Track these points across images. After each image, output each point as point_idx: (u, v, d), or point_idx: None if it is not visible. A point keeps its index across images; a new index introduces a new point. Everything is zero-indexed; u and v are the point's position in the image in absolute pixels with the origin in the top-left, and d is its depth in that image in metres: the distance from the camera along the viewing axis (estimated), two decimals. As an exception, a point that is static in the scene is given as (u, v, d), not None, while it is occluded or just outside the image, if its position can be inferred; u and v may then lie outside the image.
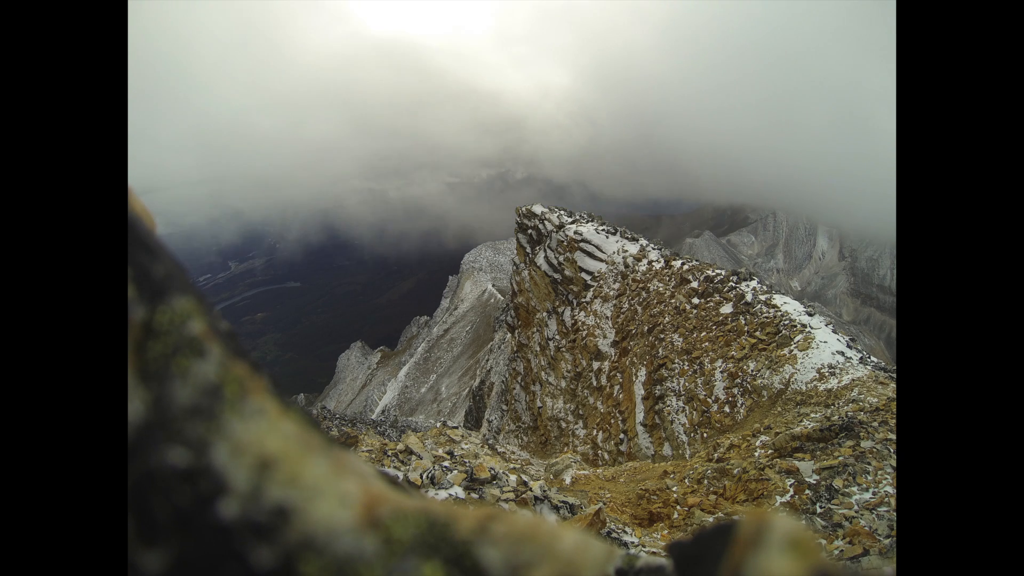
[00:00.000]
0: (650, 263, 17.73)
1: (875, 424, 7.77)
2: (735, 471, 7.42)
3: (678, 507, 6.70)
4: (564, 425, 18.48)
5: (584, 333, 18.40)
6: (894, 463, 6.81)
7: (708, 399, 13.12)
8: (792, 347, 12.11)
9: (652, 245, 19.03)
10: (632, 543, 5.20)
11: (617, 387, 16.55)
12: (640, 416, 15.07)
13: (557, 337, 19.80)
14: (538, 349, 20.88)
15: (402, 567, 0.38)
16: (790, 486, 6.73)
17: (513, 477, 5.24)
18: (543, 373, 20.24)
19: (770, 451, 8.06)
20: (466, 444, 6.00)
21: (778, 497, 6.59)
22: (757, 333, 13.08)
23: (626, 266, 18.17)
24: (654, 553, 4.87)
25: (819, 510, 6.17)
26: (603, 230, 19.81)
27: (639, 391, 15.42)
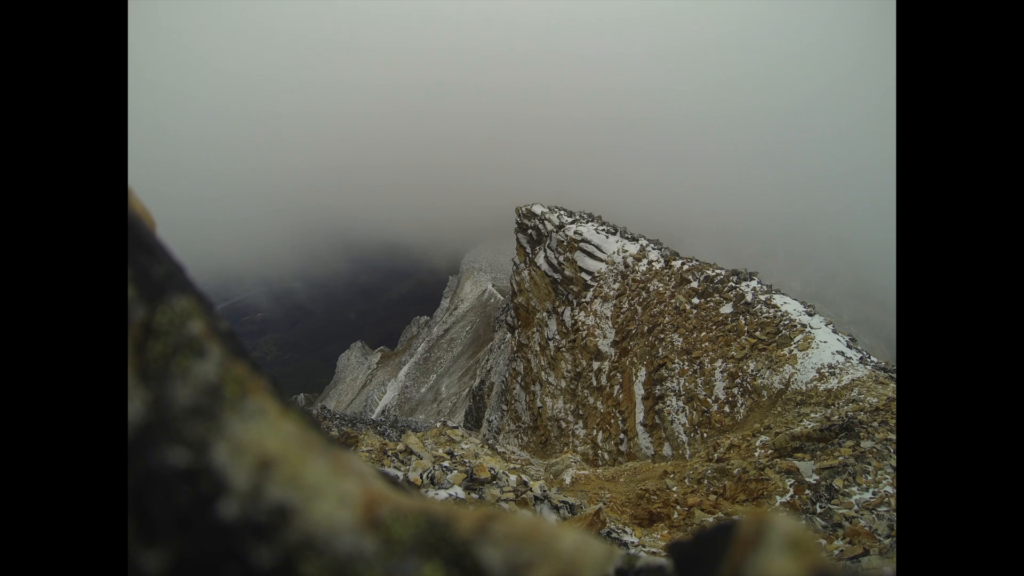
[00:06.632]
0: (650, 263, 17.73)
1: (875, 424, 7.77)
2: (735, 471, 7.42)
3: (678, 507, 6.70)
4: (564, 425, 18.48)
5: (584, 333, 18.41)
6: (894, 463, 6.81)
7: (708, 399, 13.13)
8: (792, 347, 12.11)
9: (652, 245, 19.03)
10: (632, 543, 5.20)
11: (617, 387, 16.55)
12: (640, 416, 15.08)
13: (557, 337, 19.80)
14: (538, 349, 20.88)
15: (402, 567, 0.38)
16: (790, 486, 6.73)
17: (513, 477, 5.24)
18: (543, 373, 20.24)
19: (770, 451, 8.06)
20: (466, 444, 6.00)
21: (778, 497, 6.59)
22: (757, 333, 13.08)
23: (626, 266, 18.17)
24: (654, 553, 4.87)
25: (819, 510, 6.17)
26: (603, 230, 19.80)
27: (639, 391, 15.42)
